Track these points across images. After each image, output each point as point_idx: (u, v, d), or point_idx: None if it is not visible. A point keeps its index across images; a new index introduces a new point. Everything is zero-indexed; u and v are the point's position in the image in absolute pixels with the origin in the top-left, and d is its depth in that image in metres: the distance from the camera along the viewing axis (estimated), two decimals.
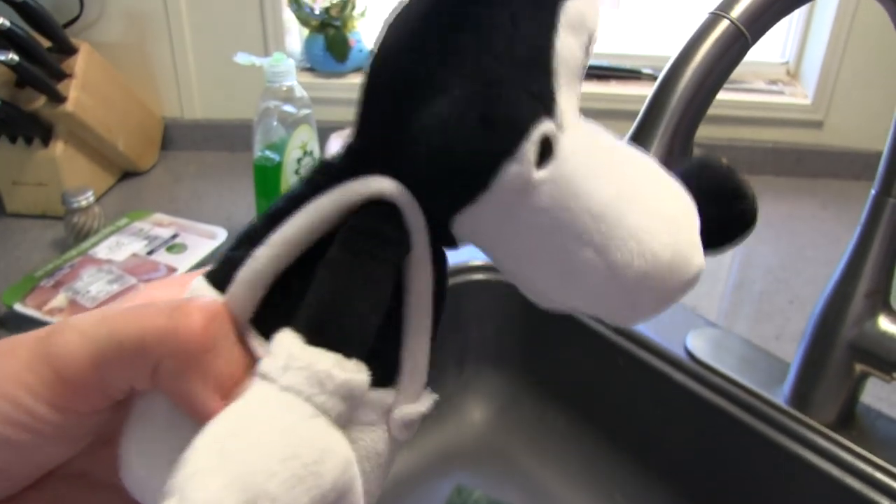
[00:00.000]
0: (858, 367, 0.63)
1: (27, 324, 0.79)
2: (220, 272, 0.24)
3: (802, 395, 0.68)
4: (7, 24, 0.91)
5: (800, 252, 1.00)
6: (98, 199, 0.95)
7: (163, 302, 0.22)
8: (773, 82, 1.26)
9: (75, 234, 0.94)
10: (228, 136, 1.26)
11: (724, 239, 0.27)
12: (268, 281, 0.23)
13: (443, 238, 0.24)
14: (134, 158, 1.16)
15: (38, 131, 1.01)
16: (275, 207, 0.24)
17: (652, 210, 0.22)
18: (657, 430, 0.80)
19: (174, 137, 1.27)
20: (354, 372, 0.22)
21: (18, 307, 0.79)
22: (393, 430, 0.24)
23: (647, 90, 1.20)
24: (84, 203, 0.93)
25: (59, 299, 0.80)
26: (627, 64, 1.27)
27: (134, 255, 0.89)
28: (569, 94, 0.23)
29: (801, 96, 1.22)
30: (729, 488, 0.74)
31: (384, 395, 0.24)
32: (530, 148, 0.21)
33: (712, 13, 0.43)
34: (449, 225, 0.24)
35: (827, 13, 1.16)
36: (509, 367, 0.94)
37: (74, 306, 0.79)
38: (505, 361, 0.94)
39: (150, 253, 0.89)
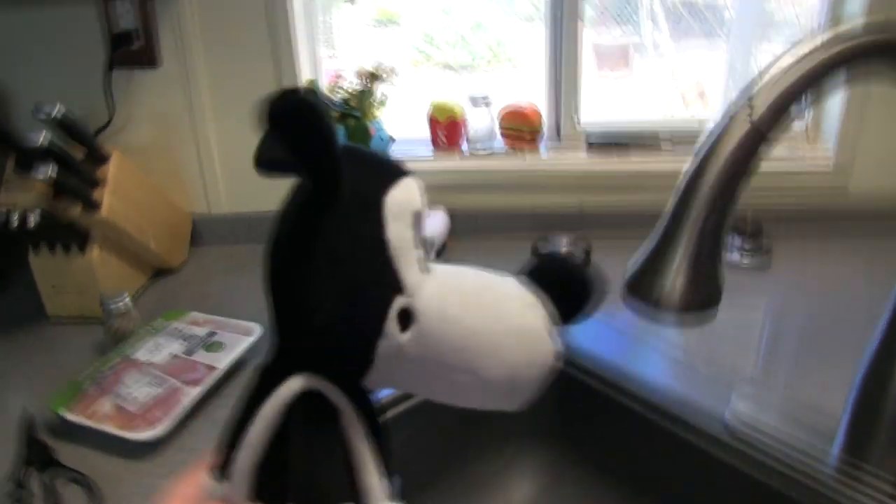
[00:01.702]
0: None
1: (78, 431, 0.80)
2: (220, 465, 0.33)
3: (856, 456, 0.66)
4: (47, 141, 0.95)
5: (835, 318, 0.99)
6: (134, 300, 0.97)
7: None
8: (792, 147, 1.26)
9: (114, 336, 0.96)
10: (256, 229, 1.28)
11: (576, 314, 0.34)
12: (253, 471, 0.32)
13: (359, 392, 0.32)
14: (165, 256, 1.19)
15: (75, 238, 1.04)
16: (238, 414, 0.33)
17: (500, 328, 0.30)
18: None
19: (203, 233, 1.30)
20: None
21: (69, 416, 0.80)
22: None
23: (666, 163, 1.20)
24: (122, 306, 0.95)
25: (106, 406, 0.81)
26: (646, 129, 1.28)
27: (173, 355, 0.90)
28: (410, 262, 0.31)
29: (822, 160, 1.22)
30: None
31: None
32: (391, 325, 0.29)
33: (731, 111, 0.44)
34: (361, 383, 0.32)
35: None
36: (551, 445, 0.93)
37: (121, 412, 0.80)
38: (547, 440, 0.94)
39: (188, 352, 0.91)
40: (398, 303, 0.30)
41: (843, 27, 0.44)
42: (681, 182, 0.44)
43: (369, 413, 0.33)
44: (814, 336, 0.94)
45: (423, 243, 0.33)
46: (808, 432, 0.71)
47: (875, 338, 0.63)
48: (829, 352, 0.90)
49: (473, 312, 0.31)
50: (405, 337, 0.30)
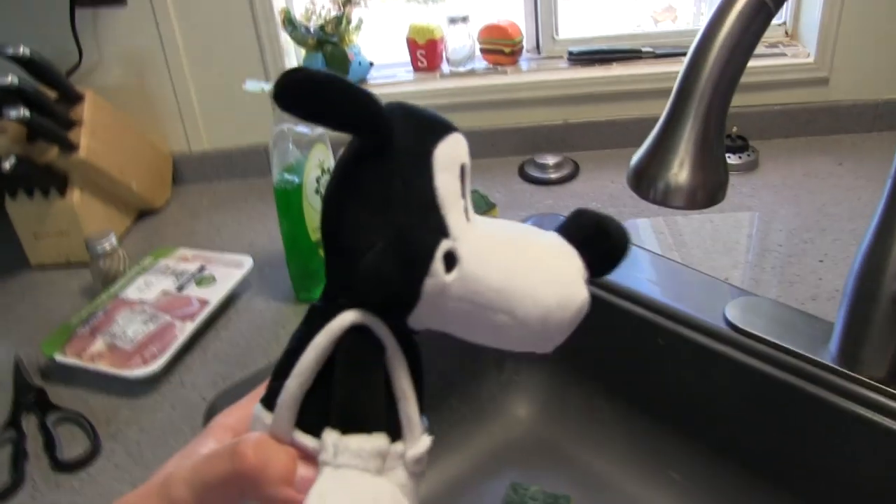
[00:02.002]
0: None
1: (72, 373, 0.80)
2: (269, 398, 0.35)
3: (850, 353, 0.68)
4: (16, 81, 0.91)
5: (821, 210, 0.99)
6: (119, 242, 0.96)
7: (226, 448, 0.34)
8: (774, 45, 1.25)
9: (103, 278, 0.95)
10: (238, 164, 1.26)
11: (605, 268, 0.36)
12: (299, 400, 0.34)
13: (404, 332, 0.34)
14: (148, 197, 1.17)
15: (53, 182, 1.02)
16: (290, 346, 0.35)
17: (537, 272, 0.33)
18: (705, 405, 0.80)
19: (184, 172, 1.28)
20: (376, 441, 0.33)
21: (59, 357, 0.80)
22: (409, 468, 0.34)
23: (649, 69, 1.21)
24: (108, 247, 0.94)
25: (99, 345, 0.81)
26: (625, 45, 1.27)
27: (164, 292, 0.89)
28: (457, 210, 0.33)
29: (802, 56, 1.21)
30: (782, 452, 0.74)
31: (397, 447, 0.34)
32: (437, 265, 0.31)
33: None
34: (405, 323, 0.34)
35: None
36: (547, 360, 0.94)
37: (114, 350, 0.80)
38: (542, 355, 0.94)
39: (180, 289, 0.90)
40: (444, 245, 0.32)
41: None
42: (685, 63, 0.43)
43: (412, 353, 0.35)
44: (804, 236, 0.94)
45: (468, 195, 0.35)
46: (803, 339, 0.72)
47: (864, 242, 0.63)
48: (822, 253, 0.90)
49: (512, 257, 0.33)
50: (450, 277, 0.32)
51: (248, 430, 0.36)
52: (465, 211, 0.34)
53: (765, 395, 0.73)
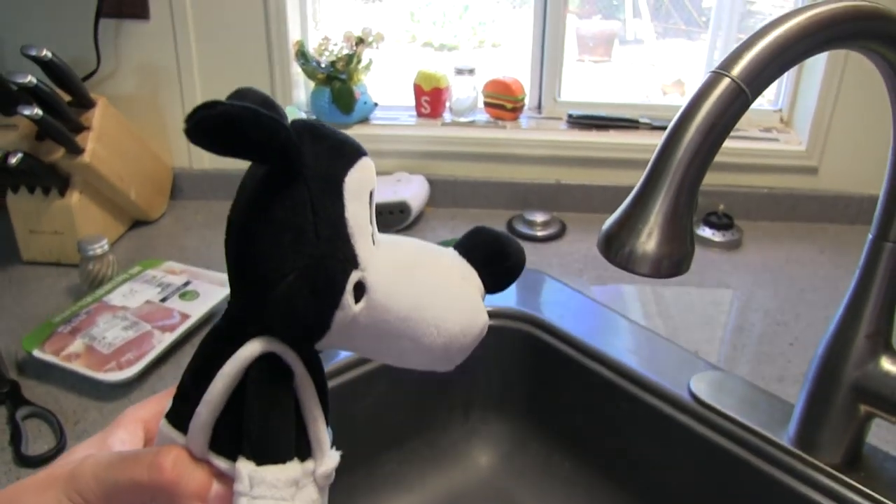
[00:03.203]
0: (863, 409, 0.64)
1: (48, 370, 0.81)
2: (177, 418, 0.36)
3: (808, 437, 0.69)
4: (34, 81, 0.94)
5: (799, 296, 1.02)
6: (110, 248, 0.97)
7: (144, 455, 0.35)
8: (768, 129, 1.30)
9: (90, 280, 0.96)
10: (236, 185, 1.28)
11: (501, 287, 0.38)
12: (211, 425, 0.35)
13: (311, 354, 0.36)
14: (145, 207, 1.19)
15: (55, 182, 1.04)
16: (194, 365, 0.36)
17: (440, 299, 0.35)
18: (662, 473, 0.81)
19: (183, 187, 1.30)
20: (290, 470, 0.34)
21: (37, 353, 0.81)
22: (319, 483, 0.36)
23: (644, 139, 1.24)
24: (99, 251, 0.95)
25: (77, 345, 0.82)
26: (625, 114, 1.30)
27: (148, 301, 0.91)
28: (365, 238, 0.34)
29: (795, 143, 1.25)
30: None
31: (308, 465, 0.35)
32: (348, 298, 0.33)
33: (714, 72, 0.45)
34: (312, 346, 0.35)
35: (818, 61, 1.20)
36: (515, 412, 0.95)
37: (91, 352, 0.81)
38: (511, 407, 0.95)
39: (163, 300, 0.91)
40: (354, 277, 0.33)
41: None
42: (662, 139, 0.46)
43: (317, 371, 0.36)
44: (778, 318, 0.96)
45: (374, 220, 0.36)
46: (764, 418, 0.74)
47: (829, 329, 0.65)
48: (794, 336, 0.93)
49: (417, 284, 0.34)
50: (358, 307, 0.33)
51: (158, 427, 0.37)
52: (372, 236, 0.35)
53: (722, 469, 0.75)
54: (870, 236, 0.61)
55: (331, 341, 0.34)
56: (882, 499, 0.64)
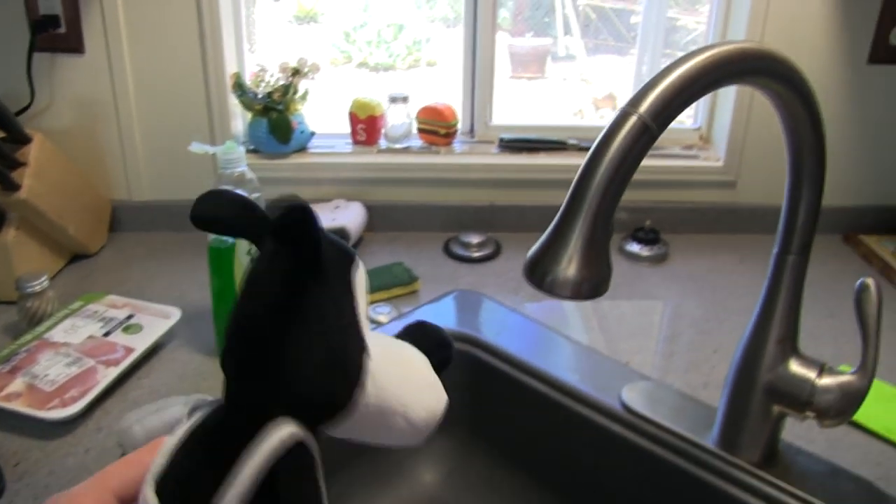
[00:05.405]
0: (776, 409, 0.70)
1: None
2: (167, 486, 0.36)
3: (729, 438, 0.74)
4: None
5: (721, 304, 1.08)
6: (50, 283, 0.97)
7: None
8: (689, 147, 1.36)
9: (29, 318, 0.96)
10: (176, 217, 1.29)
11: (443, 369, 0.44)
12: None
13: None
14: (84, 241, 1.18)
15: None
16: (197, 457, 0.36)
17: (419, 381, 0.41)
18: (602, 482, 0.85)
19: (123, 220, 1.30)
20: None
21: None
22: None
23: (572, 160, 1.29)
24: (38, 288, 0.95)
25: (17, 384, 0.82)
26: (554, 136, 1.36)
27: (91, 336, 0.91)
28: (367, 328, 0.39)
29: (714, 159, 1.32)
30: None
31: None
32: (366, 377, 0.37)
33: (623, 109, 0.50)
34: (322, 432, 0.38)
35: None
36: (458, 429, 0.98)
37: (33, 390, 0.81)
38: (453, 424, 0.97)
39: (106, 334, 0.92)
40: (367, 360, 0.38)
41: (720, 42, 0.52)
42: (578, 173, 0.50)
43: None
44: (703, 326, 1.02)
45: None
46: (689, 423, 0.79)
47: (744, 336, 0.71)
48: (717, 343, 0.98)
49: (400, 369, 0.40)
50: (369, 387, 0.38)
51: (132, 496, 0.37)
52: (366, 328, 0.40)
53: (654, 473, 0.79)
54: (774, 250, 0.67)
55: (344, 421, 0.37)
56: (796, 491, 0.70)
